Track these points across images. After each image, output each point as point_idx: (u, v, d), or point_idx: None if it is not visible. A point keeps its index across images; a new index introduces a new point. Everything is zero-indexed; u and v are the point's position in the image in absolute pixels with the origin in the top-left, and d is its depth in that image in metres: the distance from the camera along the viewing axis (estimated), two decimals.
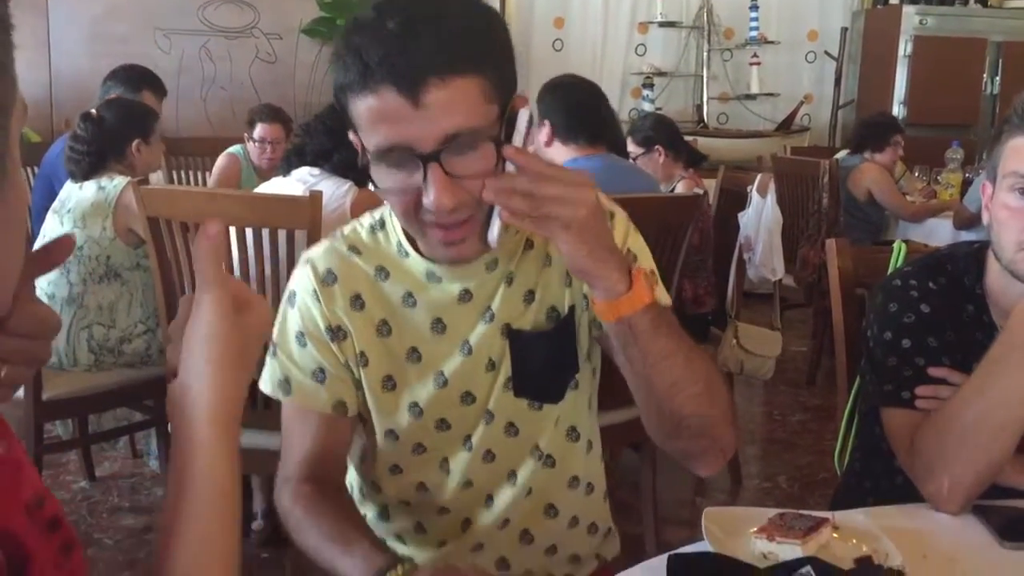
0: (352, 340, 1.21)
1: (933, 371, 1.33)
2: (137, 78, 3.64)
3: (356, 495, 1.34)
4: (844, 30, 6.39)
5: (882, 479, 1.47)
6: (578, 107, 2.54)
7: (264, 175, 3.71)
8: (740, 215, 3.15)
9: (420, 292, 1.20)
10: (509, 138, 1.04)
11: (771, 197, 3.16)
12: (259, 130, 3.88)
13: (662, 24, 6.31)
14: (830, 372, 4.12)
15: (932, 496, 1.27)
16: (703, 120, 6.31)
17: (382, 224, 1.23)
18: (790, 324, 4.59)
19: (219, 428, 0.79)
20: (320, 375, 1.21)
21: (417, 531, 1.31)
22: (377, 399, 1.23)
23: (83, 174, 2.78)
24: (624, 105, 6.42)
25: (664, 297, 1.17)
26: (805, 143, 6.16)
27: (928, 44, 6.03)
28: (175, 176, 4.11)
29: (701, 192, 2.89)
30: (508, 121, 1.04)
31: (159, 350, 2.75)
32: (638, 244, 1.23)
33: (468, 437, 1.24)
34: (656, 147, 3.36)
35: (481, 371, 1.21)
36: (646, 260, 1.23)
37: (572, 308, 1.22)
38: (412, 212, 1.06)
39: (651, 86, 6.30)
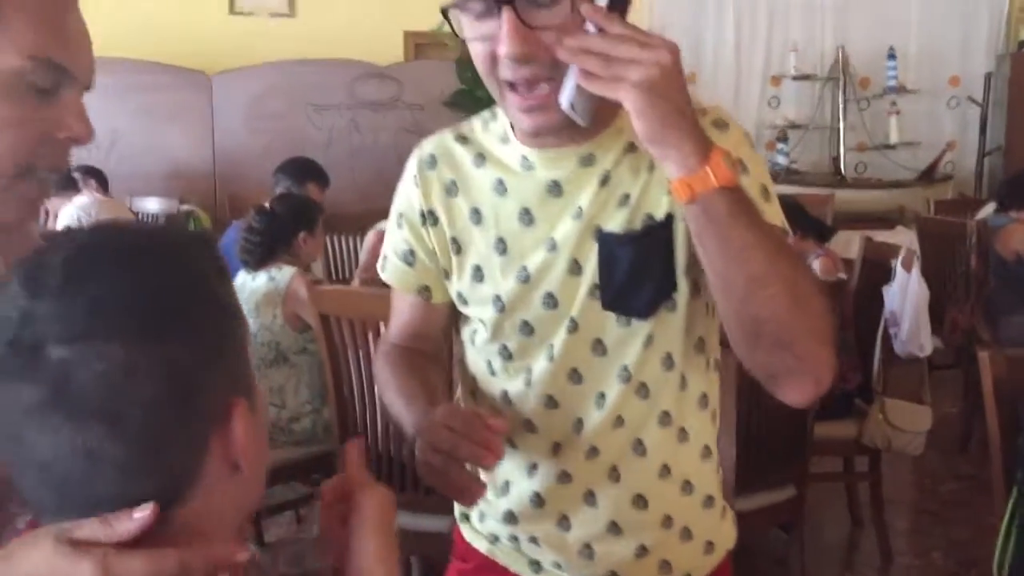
0: (443, 226, 1.24)
1: None
2: (303, 171, 3.92)
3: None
4: (988, 75, 6.22)
5: None
6: None
7: None
8: (885, 289, 3.14)
9: (511, 179, 1.18)
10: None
11: (916, 271, 3.13)
12: None
13: (796, 77, 6.30)
14: (984, 437, 3.99)
15: None
16: (840, 172, 6.24)
17: (494, 115, 1.23)
18: (939, 383, 4.45)
19: None
20: (410, 257, 1.28)
21: (509, 447, 1.25)
22: (470, 288, 1.24)
23: (256, 263, 3.03)
24: None
25: (773, 215, 1.12)
26: (948, 193, 6.01)
27: None
28: (330, 253, 4.37)
29: (843, 277, 2.90)
30: None
31: (324, 428, 2.95)
32: (751, 157, 1.15)
33: (551, 346, 1.20)
34: None
35: (564, 272, 1.17)
36: (759, 174, 1.15)
37: (670, 217, 1.14)
38: (491, 68, 1.06)
39: (785, 139, 6.29)
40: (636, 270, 1.14)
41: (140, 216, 4.77)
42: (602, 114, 1.04)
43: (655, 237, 1.13)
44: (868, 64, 6.32)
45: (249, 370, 0.77)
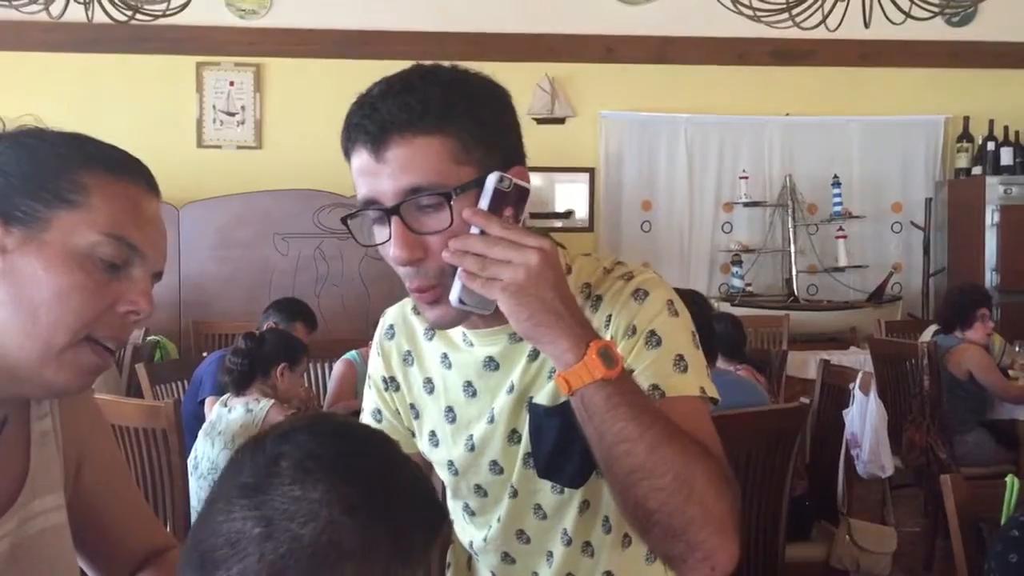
0: (403, 392, 1.32)
1: None
2: (293, 310, 3.99)
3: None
4: (928, 200, 6.52)
5: None
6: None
7: None
8: (844, 412, 3.24)
9: (455, 354, 1.24)
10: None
11: (873, 394, 3.25)
12: None
13: (746, 204, 6.55)
14: (946, 555, 4.03)
15: None
16: (793, 293, 6.43)
17: None
18: (900, 502, 4.54)
19: None
20: (377, 415, 1.36)
21: None
22: (429, 450, 1.31)
23: (235, 385, 3.07)
24: (714, 281, 6.62)
25: (690, 385, 1.11)
26: (898, 314, 6.20)
27: (1015, 213, 6.10)
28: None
29: (805, 400, 3.00)
30: (480, 184, 1.05)
31: None
32: (667, 326, 1.14)
33: (500, 507, 1.26)
34: None
35: (504, 441, 1.22)
36: (675, 344, 1.13)
37: None
38: (395, 268, 1.09)
39: (739, 262, 6.49)
40: (563, 440, 1.17)
41: None
42: None
43: None
44: (814, 191, 6.58)
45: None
